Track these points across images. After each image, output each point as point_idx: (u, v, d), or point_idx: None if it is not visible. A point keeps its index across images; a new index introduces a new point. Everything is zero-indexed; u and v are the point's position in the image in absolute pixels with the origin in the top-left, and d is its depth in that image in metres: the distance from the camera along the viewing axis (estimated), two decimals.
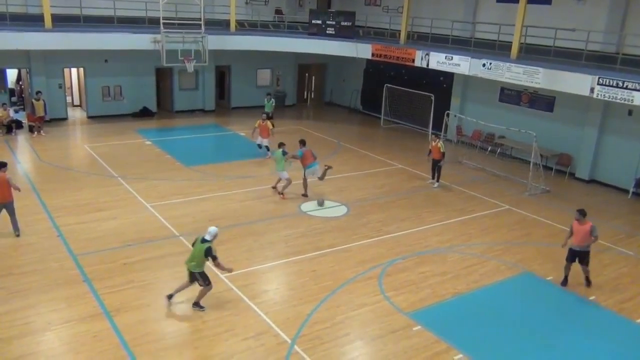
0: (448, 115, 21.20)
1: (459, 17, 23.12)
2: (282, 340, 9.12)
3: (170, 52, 22.18)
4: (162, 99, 26.20)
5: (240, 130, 22.81)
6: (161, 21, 21.66)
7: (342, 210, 15.03)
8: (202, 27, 22.59)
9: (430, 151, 17.27)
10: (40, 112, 20.80)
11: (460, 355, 8.98)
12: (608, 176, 18.69)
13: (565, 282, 11.49)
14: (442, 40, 22.07)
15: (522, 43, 19.09)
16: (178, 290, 10.01)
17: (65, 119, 23.44)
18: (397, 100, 25.61)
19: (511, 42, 19.04)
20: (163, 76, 25.59)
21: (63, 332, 9.06)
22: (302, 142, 15.95)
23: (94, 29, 21.28)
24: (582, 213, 11.09)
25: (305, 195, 15.62)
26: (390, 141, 23.43)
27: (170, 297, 10.04)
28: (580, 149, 19.23)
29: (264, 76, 28.41)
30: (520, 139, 20.18)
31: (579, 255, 11.21)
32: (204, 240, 9.58)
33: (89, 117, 24.02)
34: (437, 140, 17.06)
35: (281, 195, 15.52)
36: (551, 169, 19.66)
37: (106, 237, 12.54)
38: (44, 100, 20.95)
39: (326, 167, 15.93)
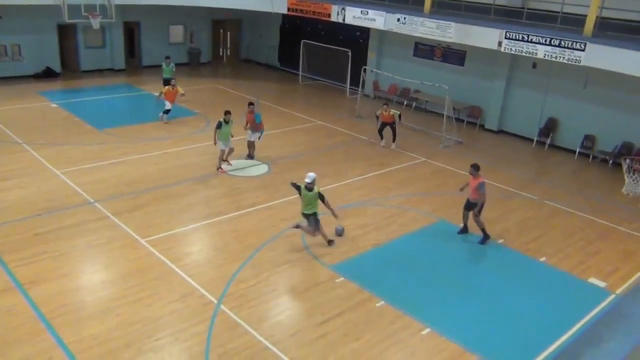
0: (365, 70, 21.41)
1: None
2: (208, 301, 9.12)
3: (72, 7, 20.72)
4: (66, 59, 24.56)
5: (153, 90, 21.90)
6: None
7: (263, 168, 14.99)
8: None
9: (377, 117, 17.28)
10: None
11: (382, 302, 9.38)
12: (515, 127, 19.76)
13: (464, 230, 11.98)
14: None
15: None
16: (300, 227, 10.88)
17: None
18: (315, 56, 25.50)
19: None
20: (66, 33, 23.92)
21: None
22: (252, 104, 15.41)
23: None
24: (474, 168, 11.46)
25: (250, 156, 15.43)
26: (309, 98, 23.42)
27: (297, 226, 10.95)
28: (489, 102, 20.13)
29: (177, 32, 27.26)
30: (434, 93, 20.80)
31: (471, 206, 11.67)
32: (309, 188, 10.50)
33: None
34: (388, 109, 16.85)
35: (220, 170, 14.53)
36: (463, 121, 20.49)
37: (13, 207, 11.82)
38: None
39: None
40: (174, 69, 20.31)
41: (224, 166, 14.62)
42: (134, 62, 26.40)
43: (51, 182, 13.24)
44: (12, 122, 17.24)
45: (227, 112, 14.44)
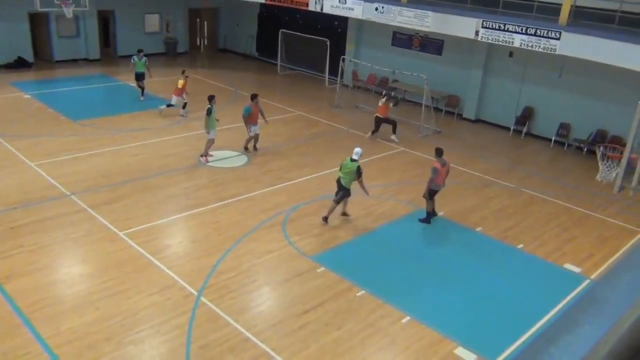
0: (344, 60, 21.38)
1: None
2: (189, 293, 9.08)
3: None
4: (39, 48, 24.07)
5: (129, 80, 21.58)
6: None
7: (243, 159, 14.92)
8: None
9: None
10: None
11: (363, 292, 9.44)
12: (492, 115, 19.97)
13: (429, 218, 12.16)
14: None
15: None
16: (331, 211, 11.43)
17: None
18: (293, 45, 25.38)
19: None
20: (38, 22, 23.41)
21: None
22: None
23: None
24: (437, 152, 11.74)
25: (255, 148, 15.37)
26: (288, 88, 23.32)
27: (325, 219, 11.45)
28: (467, 91, 20.29)
29: (153, 22, 26.87)
30: (412, 83, 20.88)
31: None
32: (352, 160, 11.03)
33: None
34: (386, 100, 16.93)
35: (204, 158, 14.44)
36: (441, 110, 20.62)
37: None
38: None
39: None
40: (147, 63, 19.16)
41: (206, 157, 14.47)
42: (109, 52, 25.96)
43: (26, 174, 13.00)
44: None
45: (212, 97, 14.27)
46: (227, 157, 14.90)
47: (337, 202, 11.49)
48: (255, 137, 15.26)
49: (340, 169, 11.50)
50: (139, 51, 19.23)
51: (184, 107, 17.74)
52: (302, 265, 10.13)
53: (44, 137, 15.37)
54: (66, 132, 15.93)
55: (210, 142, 14.37)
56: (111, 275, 9.40)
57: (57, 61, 24.10)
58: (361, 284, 9.63)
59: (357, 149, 11.37)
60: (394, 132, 17.17)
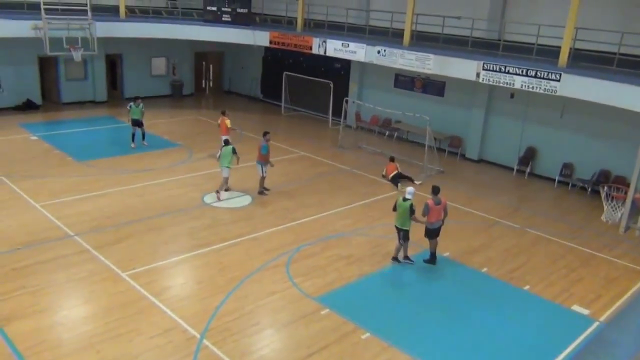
0: (347, 101, 21.65)
1: (353, 4, 23.58)
2: (191, 336, 8.95)
3: (54, 40, 20.72)
4: (47, 91, 24.48)
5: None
6: (42, 6, 20.15)
7: (247, 199, 14.94)
8: (89, 13, 21.30)
9: (385, 171, 17.31)
10: None
11: (368, 334, 9.29)
12: (495, 156, 20.04)
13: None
14: (338, 27, 22.41)
15: (413, 30, 19.84)
16: (398, 251, 11.71)
17: None
18: (297, 87, 25.75)
19: (404, 30, 19.71)
20: (47, 66, 23.89)
21: None
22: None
23: None
24: (433, 190, 11.75)
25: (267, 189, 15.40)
26: (292, 128, 23.54)
27: (395, 259, 11.74)
28: (469, 131, 20.43)
29: (159, 65, 27.38)
30: (415, 123, 21.06)
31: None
32: (404, 199, 11.24)
33: None
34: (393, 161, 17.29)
35: (217, 194, 14.64)
36: (444, 150, 20.73)
37: None
38: None
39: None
40: (143, 109, 18.89)
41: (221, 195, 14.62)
42: (115, 94, 26.38)
43: (30, 215, 13.02)
44: None
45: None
46: (231, 198, 14.91)
47: (403, 242, 11.61)
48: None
49: (394, 209, 11.58)
50: (136, 98, 19.03)
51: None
52: (306, 307, 10.00)
53: (49, 178, 15.47)
54: (72, 173, 16.03)
55: (225, 180, 14.71)
56: (113, 317, 9.29)
57: (64, 103, 24.45)
58: (366, 326, 9.48)
59: (410, 189, 11.49)
60: (412, 180, 17.13)
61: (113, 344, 8.64)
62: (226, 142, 14.85)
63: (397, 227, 11.60)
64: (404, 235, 11.55)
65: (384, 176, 17.40)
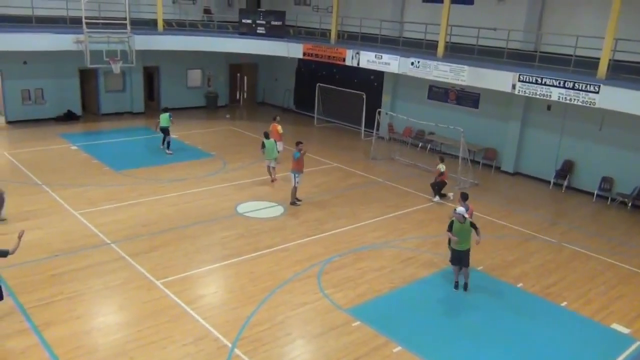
0: (379, 113, 21.60)
1: (387, 16, 23.60)
2: (222, 344, 9.01)
3: (94, 53, 21.35)
4: (87, 102, 25.19)
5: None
6: (84, 20, 20.81)
7: (279, 210, 15.01)
8: (128, 26, 21.89)
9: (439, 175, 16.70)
10: None
11: (399, 348, 9.18)
12: (531, 168, 19.67)
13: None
14: (371, 39, 22.45)
15: (447, 42, 19.73)
16: (458, 276, 11.22)
17: None
18: (330, 99, 25.85)
19: (437, 41, 19.62)
20: (87, 78, 24.60)
21: None
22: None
23: (11, 29, 20.15)
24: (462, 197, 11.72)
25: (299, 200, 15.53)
26: (325, 140, 23.60)
27: (456, 286, 11.20)
28: (504, 144, 20.12)
29: (195, 77, 27.90)
30: (448, 135, 20.87)
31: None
32: (462, 220, 10.78)
33: (8, 122, 22.70)
34: (441, 162, 16.59)
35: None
36: (479, 163, 20.45)
37: (32, 248, 11.89)
38: None
39: None
40: (171, 118, 19.79)
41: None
42: (152, 105, 26.95)
43: (69, 222, 13.36)
44: (33, 163, 17.57)
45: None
46: (263, 208, 15.01)
47: (465, 268, 11.17)
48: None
49: (453, 232, 10.96)
50: (165, 110, 20.26)
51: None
52: (337, 319, 9.95)
53: (87, 186, 15.86)
54: (109, 182, 16.41)
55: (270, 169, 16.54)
56: (146, 324, 9.42)
57: (103, 114, 25.11)
58: (398, 340, 9.38)
59: (460, 209, 10.93)
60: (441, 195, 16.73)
61: (146, 350, 8.76)
62: (266, 136, 15.67)
63: (456, 250, 11.03)
64: (466, 257, 11.02)
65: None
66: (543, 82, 16.41)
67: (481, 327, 10.09)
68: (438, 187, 16.66)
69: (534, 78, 16.59)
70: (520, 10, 19.81)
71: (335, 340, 9.34)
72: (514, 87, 17.18)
